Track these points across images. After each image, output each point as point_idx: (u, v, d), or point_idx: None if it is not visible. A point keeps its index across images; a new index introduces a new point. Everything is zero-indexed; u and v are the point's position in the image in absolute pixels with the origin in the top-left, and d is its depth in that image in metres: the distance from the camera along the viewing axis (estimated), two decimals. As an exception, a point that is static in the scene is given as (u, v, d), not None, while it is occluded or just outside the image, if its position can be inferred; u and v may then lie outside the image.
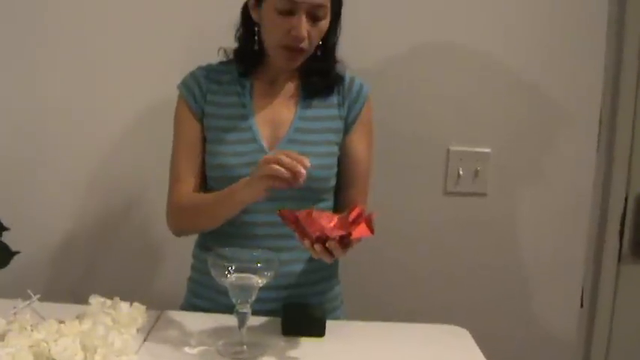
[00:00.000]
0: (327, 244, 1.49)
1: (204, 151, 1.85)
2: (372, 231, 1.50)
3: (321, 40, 1.79)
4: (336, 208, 1.87)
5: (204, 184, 1.86)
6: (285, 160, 1.52)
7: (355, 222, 1.51)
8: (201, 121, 1.85)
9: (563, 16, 2.34)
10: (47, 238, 2.37)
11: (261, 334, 1.64)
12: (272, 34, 1.74)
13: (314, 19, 1.72)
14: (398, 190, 2.38)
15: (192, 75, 1.88)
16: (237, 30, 1.86)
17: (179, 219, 1.84)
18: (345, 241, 1.48)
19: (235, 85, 1.86)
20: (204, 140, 1.85)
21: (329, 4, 1.74)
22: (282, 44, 1.73)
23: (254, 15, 1.78)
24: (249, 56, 1.84)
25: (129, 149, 2.35)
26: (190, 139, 1.84)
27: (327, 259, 1.51)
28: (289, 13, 1.69)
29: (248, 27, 1.83)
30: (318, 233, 1.48)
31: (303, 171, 1.52)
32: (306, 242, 1.50)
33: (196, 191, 1.83)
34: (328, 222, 1.54)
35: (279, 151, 1.58)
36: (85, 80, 2.32)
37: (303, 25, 1.70)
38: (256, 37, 1.80)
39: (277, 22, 1.71)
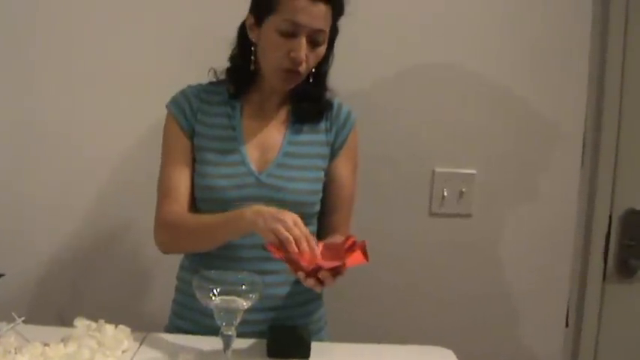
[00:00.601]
0: (319, 275, 1.49)
1: (192, 169, 1.84)
2: (366, 258, 1.50)
3: (315, 67, 1.81)
4: (319, 233, 1.88)
5: (193, 202, 1.85)
6: (304, 247, 1.51)
7: (349, 250, 1.52)
8: (191, 138, 1.84)
9: (546, 39, 2.36)
10: (32, 261, 2.36)
11: (247, 356, 1.64)
12: (271, 54, 1.75)
13: (313, 43, 1.73)
14: (383, 211, 2.39)
15: (183, 93, 1.88)
16: (233, 49, 1.86)
17: (170, 238, 1.81)
18: (336, 270, 1.49)
19: (225, 107, 1.86)
20: (192, 159, 1.84)
21: (328, 32, 1.76)
22: (281, 66, 1.74)
23: (251, 35, 1.79)
24: (242, 76, 1.85)
25: (117, 172, 2.35)
26: (181, 156, 1.83)
27: (318, 289, 1.52)
28: (291, 35, 1.70)
29: (244, 47, 1.83)
30: (312, 266, 1.48)
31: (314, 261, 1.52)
32: (300, 274, 1.50)
33: (187, 209, 1.81)
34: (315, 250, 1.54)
35: (302, 230, 1.54)
36: (74, 101, 2.32)
37: (304, 48, 1.71)
38: (252, 57, 1.81)
39: (278, 44, 1.72)
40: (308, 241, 1.52)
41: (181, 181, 1.82)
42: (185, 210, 1.81)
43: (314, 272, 1.49)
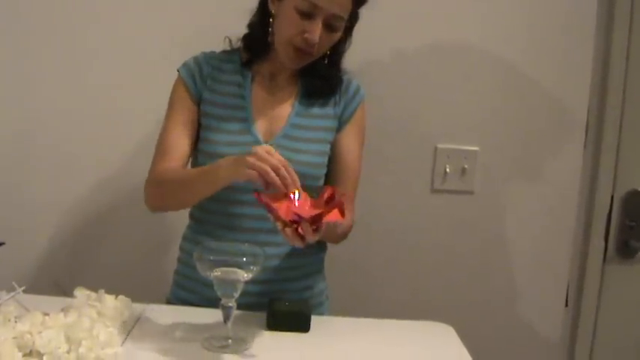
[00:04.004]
0: (299, 229, 1.47)
1: (194, 134, 1.85)
2: (343, 215, 1.48)
3: (330, 49, 1.82)
4: None
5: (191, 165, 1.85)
6: (283, 173, 1.50)
7: (329, 203, 1.50)
8: (197, 104, 1.85)
9: (551, 17, 2.35)
10: (33, 231, 2.36)
11: (246, 328, 1.64)
12: (285, 30, 1.75)
13: (329, 28, 1.74)
14: (385, 187, 2.39)
15: (195, 59, 1.88)
16: (252, 16, 1.86)
17: (155, 192, 1.81)
18: (316, 224, 1.47)
19: (236, 75, 1.87)
20: (196, 124, 1.85)
21: (346, 18, 1.76)
22: (293, 43, 1.74)
23: (271, 6, 1.79)
24: (257, 45, 1.85)
25: (119, 145, 2.34)
26: (184, 119, 1.84)
27: (298, 243, 1.49)
28: (308, 15, 1.70)
29: (262, 16, 1.83)
30: (291, 216, 1.46)
31: (294, 191, 1.50)
32: (279, 224, 1.48)
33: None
34: (303, 204, 1.52)
35: (278, 158, 1.52)
36: (82, 76, 2.32)
37: (318, 31, 1.71)
38: (270, 29, 1.80)
39: (294, 21, 1.71)
40: (295, 183, 1.50)
41: (180, 142, 1.82)
42: (179, 168, 1.81)
43: (294, 224, 1.47)
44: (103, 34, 2.30)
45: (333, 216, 1.48)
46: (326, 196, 1.52)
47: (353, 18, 1.81)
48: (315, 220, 1.46)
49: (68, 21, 2.29)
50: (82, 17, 2.29)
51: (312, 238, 1.48)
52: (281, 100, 1.86)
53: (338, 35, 1.78)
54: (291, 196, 1.52)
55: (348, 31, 1.84)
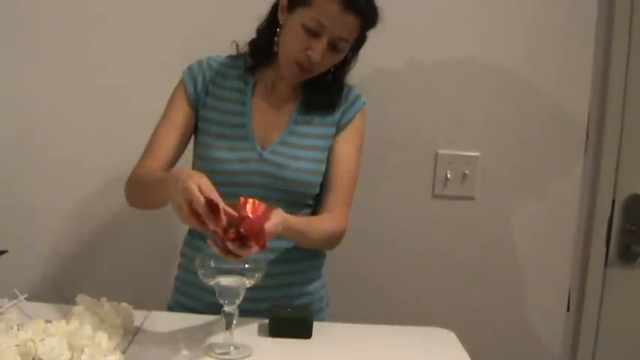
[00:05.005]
0: (227, 244, 1.44)
1: (186, 136, 1.86)
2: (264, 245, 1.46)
3: (335, 66, 1.83)
4: (314, 212, 1.88)
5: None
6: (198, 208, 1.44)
7: (243, 210, 1.46)
8: (194, 108, 1.86)
9: (551, 24, 2.35)
10: (35, 238, 2.36)
11: (249, 334, 1.64)
12: (289, 44, 1.76)
13: (334, 48, 1.75)
14: (386, 193, 2.39)
15: (199, 63, 1.89)
16: (262, 22, 1.87)
17: (129, 189, 1.82)
18: (240, 241, 1.44)
19: (239, 82, 1.87)
20: (191, 127, 1.86)
21: (352, 41, 1.77)
22: (295, 58, 1.75)
23: (281, 16, 1.79)
24: (261, 52, 1.86)
25: (120, 150, 2.33)
26: (176, 120, 1.85)
27: (224, 256, 1.46)
28: (314, 33, 1.71)
29: (271, 24, 1.84)
30: (214, 229, 1.43)
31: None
32: (210, 234, 1.46)
33: (162, 167, 1.80)
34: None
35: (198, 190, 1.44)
36: (85, 79, 2.32)
37: (321, 50, 1.72)
38: (276, 38, 1.81)
39: (299, 36, 1.73)
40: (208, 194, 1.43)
41: (167, 141, 1.83)
42: (159, 168, 1.80)
43: (218, 238, 1.44)
44: (106, 36, 2.30)
45: (255, 241, 1.44)
46: (241, 203, 1.48)
47: (360, 40, 1.83)
48: (238, 235, 1.43)
49: (70, 21, 2.29)
50: (85, 18, 2.29)
51: (242, 252, 1.45)
52: (281, 108, 1.87)
53: (342, 56, 1.80)
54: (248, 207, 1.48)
55: (355, 51, 1.85)
